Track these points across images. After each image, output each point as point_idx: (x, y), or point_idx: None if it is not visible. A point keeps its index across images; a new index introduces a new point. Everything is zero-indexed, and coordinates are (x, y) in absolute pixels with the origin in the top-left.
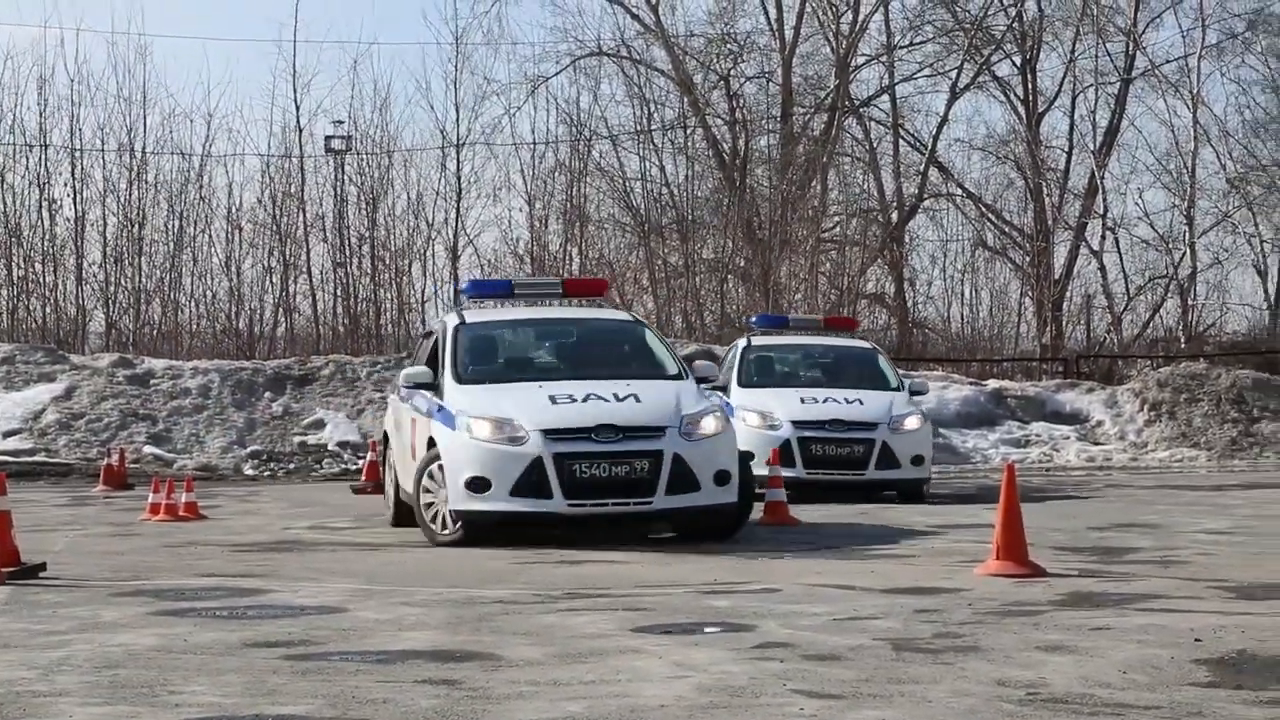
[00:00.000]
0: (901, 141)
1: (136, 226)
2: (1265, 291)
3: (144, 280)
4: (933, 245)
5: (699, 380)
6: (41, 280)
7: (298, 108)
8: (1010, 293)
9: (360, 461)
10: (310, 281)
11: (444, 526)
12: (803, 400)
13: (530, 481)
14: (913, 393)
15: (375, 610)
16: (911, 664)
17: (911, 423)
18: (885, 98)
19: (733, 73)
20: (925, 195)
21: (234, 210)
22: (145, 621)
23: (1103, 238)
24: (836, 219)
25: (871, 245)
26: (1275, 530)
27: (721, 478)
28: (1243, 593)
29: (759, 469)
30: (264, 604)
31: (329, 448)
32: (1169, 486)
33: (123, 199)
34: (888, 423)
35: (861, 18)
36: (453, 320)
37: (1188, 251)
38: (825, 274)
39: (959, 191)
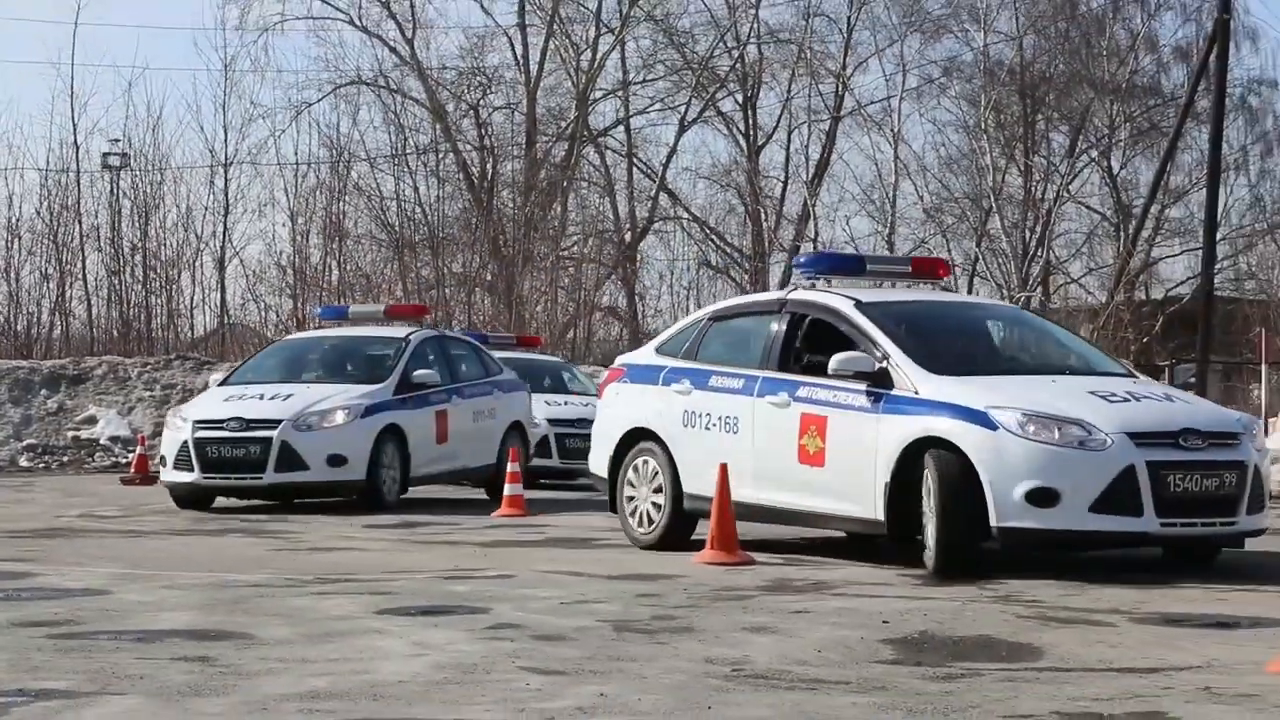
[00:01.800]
0: (635, 169)
1: None
2: None
3: None
4: (661, 264)
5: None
6: None
7: (75, 126)
8: None
9: (130, 455)
10: (85, 288)
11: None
12: (225, 399)
13: (1117, 495)
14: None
15: (137, 593)
16: (630, 643)
17: (339, 416)
18: (621, 129)
19: (482, 103)
20: (655, 218)
21: (13, 220)
22: None
23: None
24: (575, 238)
25: (606, 263)
26: None
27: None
28: (927, 580)
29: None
30: (32, 586)
31: (101, 442)
32: None
33: None
34: (298, 419)
35: (599, 55)
36: (840, 301)
37: None
38: (564, 288)
39: (686, 215)
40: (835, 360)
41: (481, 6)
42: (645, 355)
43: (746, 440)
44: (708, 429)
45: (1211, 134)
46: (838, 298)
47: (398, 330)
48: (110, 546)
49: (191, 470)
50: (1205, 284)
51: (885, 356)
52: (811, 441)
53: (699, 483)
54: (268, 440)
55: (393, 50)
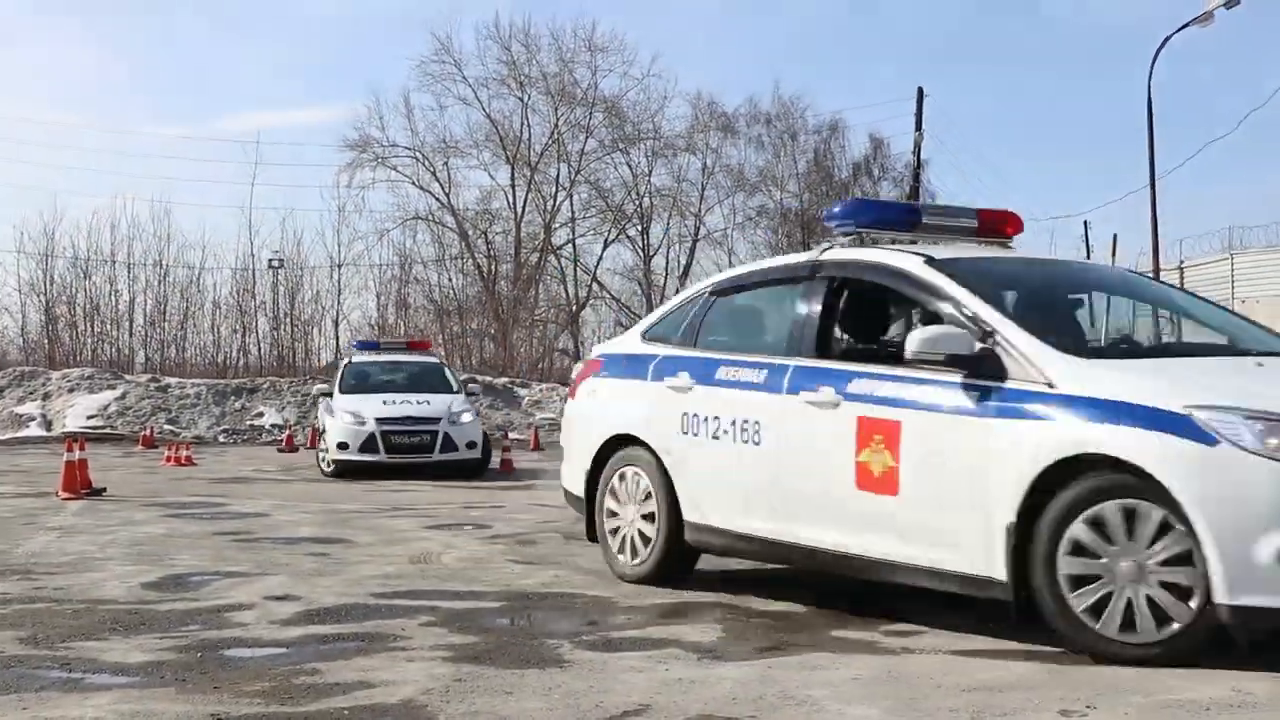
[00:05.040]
0: (578, 269)
1: (162, 305)
2: None
3: (165, 335)
4: (593, 324)
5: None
6: (111, 335)
7: (252, 243)
8: None
9: (282, 435)
10: (257, 337)
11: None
12: (384, 403)
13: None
14: (469, 394)
15: (285, 515)
16: (573, 545)
17: (466, 416)
18: (570, 245)
19: (489, 229)
20: (590, 297)
21: (216, 298)
22: (158, 520)
23: None
24: (543, 309)
25: (562, 323)
26: None
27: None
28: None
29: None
30: (225, 511)
31: (266, 427)
32: None
33: (154, 291)
34: (447, 417)
35: (558, 202)
36: (904, 259)
37: None
38: (538, 338)
39: (608, 295)
40: (917, 339)
41: (489, 175)
42: (630, 342)
43: (771, 453)
44: (716, 437)
45: None
46: (900, 255)
47: (431, 358)
48: (270, 488)
49: (378, 452)
50: None
51: (990, 333)
52: (877, 457)
53: (705, 509)
54: (434, 431)
55: (436, 198)
